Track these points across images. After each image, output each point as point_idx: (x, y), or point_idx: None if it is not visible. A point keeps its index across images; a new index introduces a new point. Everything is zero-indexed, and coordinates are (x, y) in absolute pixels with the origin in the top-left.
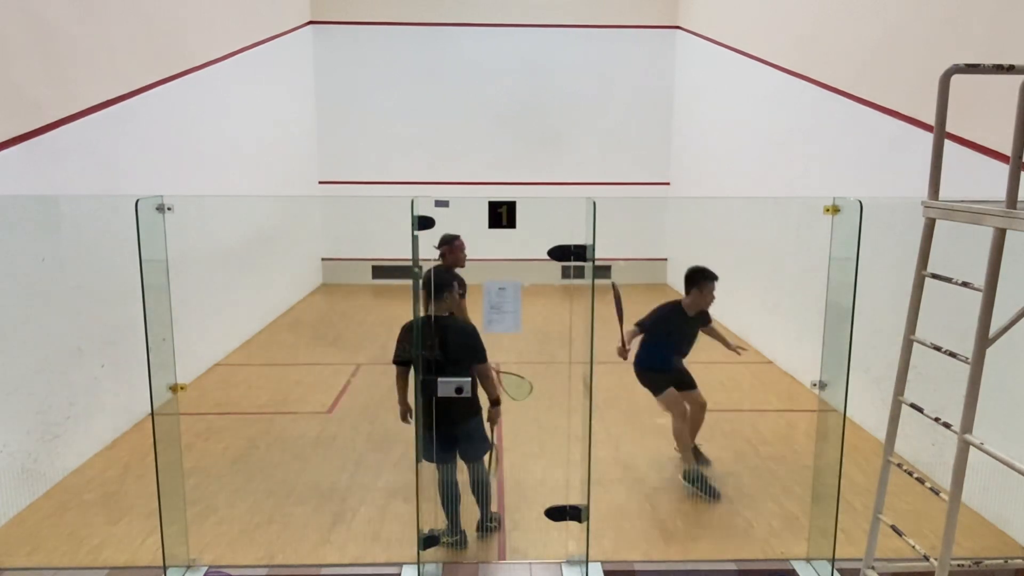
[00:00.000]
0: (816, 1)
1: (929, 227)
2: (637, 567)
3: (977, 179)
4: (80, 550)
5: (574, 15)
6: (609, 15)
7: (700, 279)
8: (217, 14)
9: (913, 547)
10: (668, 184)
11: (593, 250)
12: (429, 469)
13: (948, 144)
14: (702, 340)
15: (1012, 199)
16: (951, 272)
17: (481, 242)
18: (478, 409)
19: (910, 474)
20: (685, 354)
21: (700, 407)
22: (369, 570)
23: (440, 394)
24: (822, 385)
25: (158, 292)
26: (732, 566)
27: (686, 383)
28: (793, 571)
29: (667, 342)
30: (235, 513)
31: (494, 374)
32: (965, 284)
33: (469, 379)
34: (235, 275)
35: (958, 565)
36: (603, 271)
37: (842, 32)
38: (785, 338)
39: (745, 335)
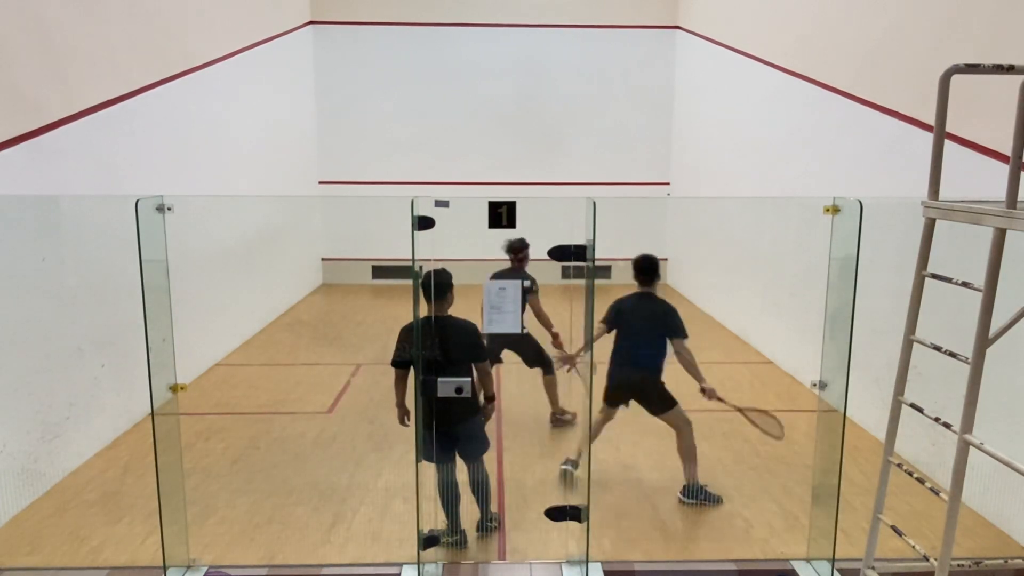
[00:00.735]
0: (816, 1)
1: (929, 227)
2: (637, 567)
3: (977, 179)
4: (80, 550)
5: (574, 15)
6: (609, 15)
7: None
8: (217, 14)
9: (913, 547)
10: (668, 184)
11: (593, 250)
12: (429, 469)
13: (948, 144)
14: (701, 340)
15: (1012, 199)
16: (951, 272)
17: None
18: (477, 408)
19: (910, 474)
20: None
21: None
22: (369, 570)
23: (440, 394)
24: (822, 385)
25: (158, 292)
26: (732, 566)
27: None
28: (793, 571)
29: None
30: (235, 513)
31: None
32: (965, 284)
33: (469, 379)
34: (235, 275)
35: (958, 565)
36: (603, 271)
37: (842, 32)
38: (785, 338)
39: (745, 335)
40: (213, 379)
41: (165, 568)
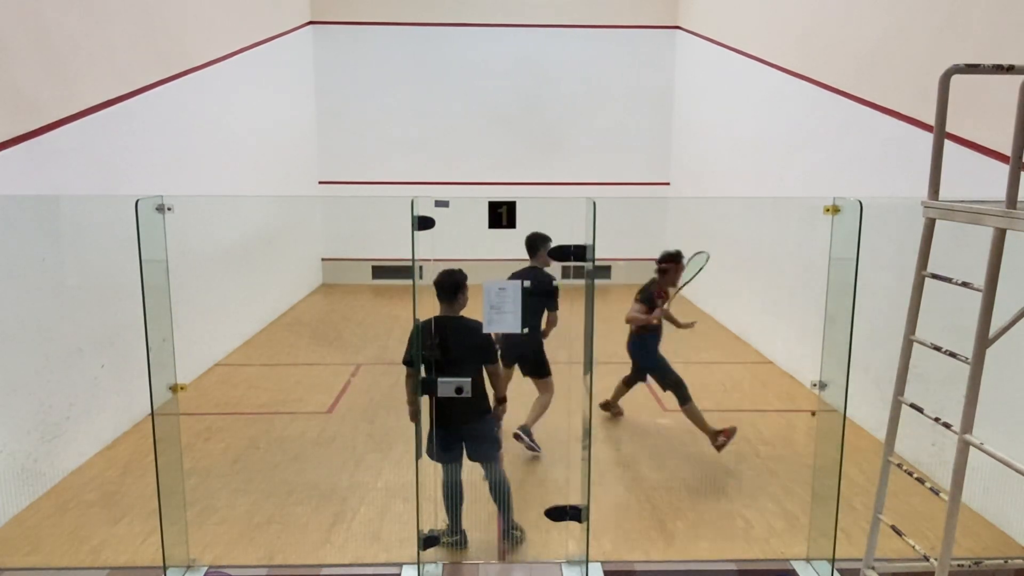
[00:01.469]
0: (816, 1)
1: (929, 227)
2: (637, 567)
3: (977, 179)
4: (80, 550)
5: (574, 15)
6: (609, 15)
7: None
8: (217, 14)
9: (913, 547)
10: (668, 184)
11: (593, 250)
12: (430, 468)
13: (948, 144)
14: (702, 340)
15: (1012, 199)
16: (951, 272)
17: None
18: (488, 409)
19: (910, 474)
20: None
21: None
22: (369, 570)
23: (440, 394)
24: (822, 385)
25: (158, 292)
26: (732, 566)
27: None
28: (793, 571)
29: None
30: (235, 513)
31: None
32: (965, 284)
33: (469, 379)
34: (235, 275)
35: (958, 565)
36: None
37: (842, 32)
38: (785, 338)
39: (745, 335)
40: (213, 379)
41: (165, 568)
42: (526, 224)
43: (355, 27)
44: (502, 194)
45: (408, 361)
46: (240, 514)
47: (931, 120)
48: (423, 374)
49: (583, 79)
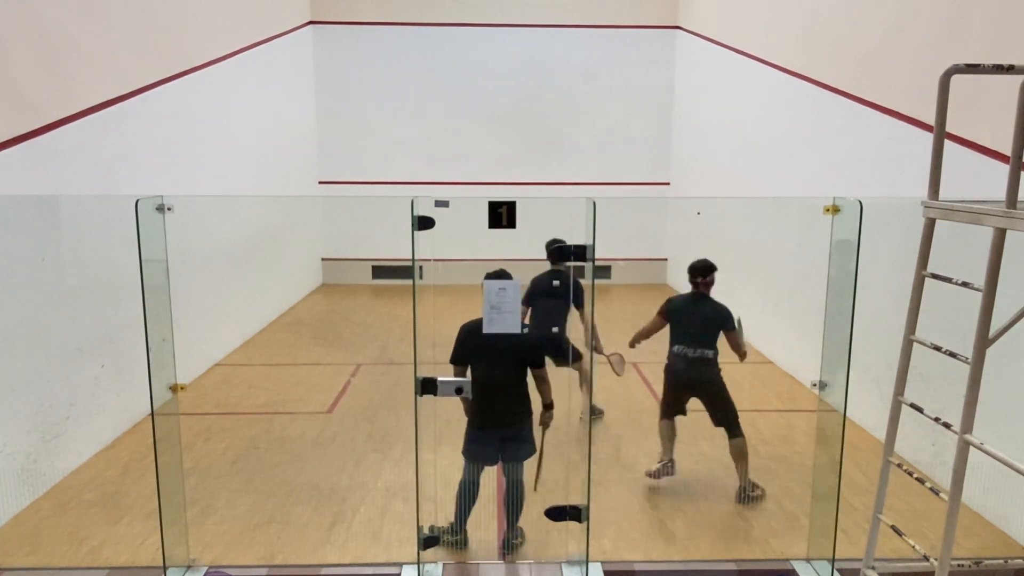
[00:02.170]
0: (816, 1)
1: (929, 227)
2: (637, 567)
3: (977, 179)
4: (80, 550)
5: (574, 15)
6: (609, 15)
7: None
8: (217, 14)
9: (913, 547)
10: (668, 184)
11: (593, 250)
12: (430, 468)
13: (948, 144)
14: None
15: (1012, 199)
16: (951, 272)
17: (481, 242)
18: (529, 412)
19: (910, 474)
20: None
21: None
22: (369, 570)
23: (440, 394)
24: (822, 385)
25: (158, 292)
26: (732, 566)
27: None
28: (793, 571)
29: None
30: (235, 513)
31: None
32: (965, 284)
33: (469, 380)
34: (235, 275)
35: (958, 565)
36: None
37: (842, 32)
38: (785, 338)
39: (745, 335)
40: (213, 379)
41: (165, 568)
42: (526, 224)
43: (355, 27)
44: (502, 194)
45: (454, 360)
46: (240, 514)
47: (931, 120)
48: (468, 375)
49: (583, 79)
